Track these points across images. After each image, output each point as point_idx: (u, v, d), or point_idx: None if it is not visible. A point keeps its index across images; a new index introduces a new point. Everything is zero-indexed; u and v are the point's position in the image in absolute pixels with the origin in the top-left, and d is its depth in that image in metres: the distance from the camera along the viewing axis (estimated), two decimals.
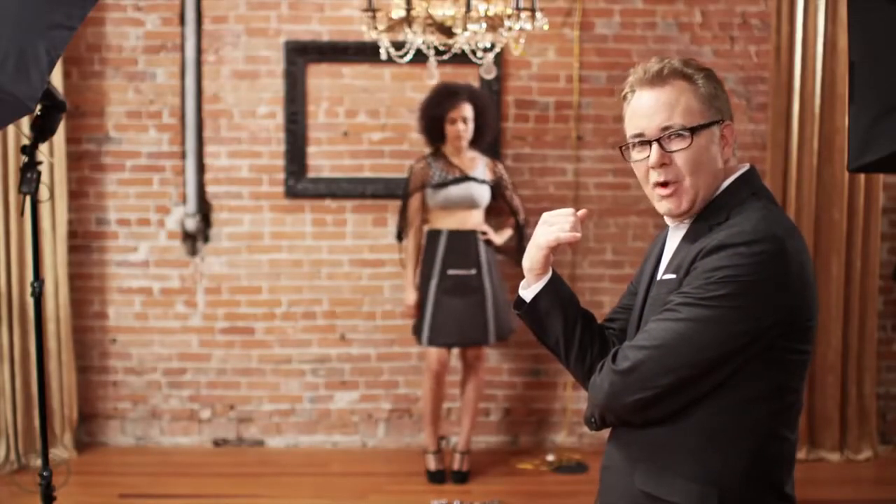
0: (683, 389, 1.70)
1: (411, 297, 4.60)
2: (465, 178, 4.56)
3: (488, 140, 4.70)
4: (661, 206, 1.85)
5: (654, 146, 1.82)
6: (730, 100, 1.92)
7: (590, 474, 4.72)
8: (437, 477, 4.64)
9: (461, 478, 4.62)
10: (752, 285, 1.67)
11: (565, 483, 4.28)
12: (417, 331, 4.63)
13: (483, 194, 4.60)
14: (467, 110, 4.52)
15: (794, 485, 1.80)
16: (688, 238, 1.83)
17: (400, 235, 4.72)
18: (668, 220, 1.90)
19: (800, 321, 1.72)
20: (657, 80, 1.90)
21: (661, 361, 1.69)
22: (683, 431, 1.72)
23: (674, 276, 1.78)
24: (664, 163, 1.82)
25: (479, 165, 4.62)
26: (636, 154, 1.87)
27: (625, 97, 1.96)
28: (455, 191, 4.55)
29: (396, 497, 4.47)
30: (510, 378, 5.16)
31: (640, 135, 1.86)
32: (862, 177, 4.88)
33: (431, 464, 4.68)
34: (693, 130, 1.80)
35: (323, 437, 5.16)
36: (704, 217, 1.82)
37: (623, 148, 1.91)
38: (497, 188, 4.64)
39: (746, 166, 1.88)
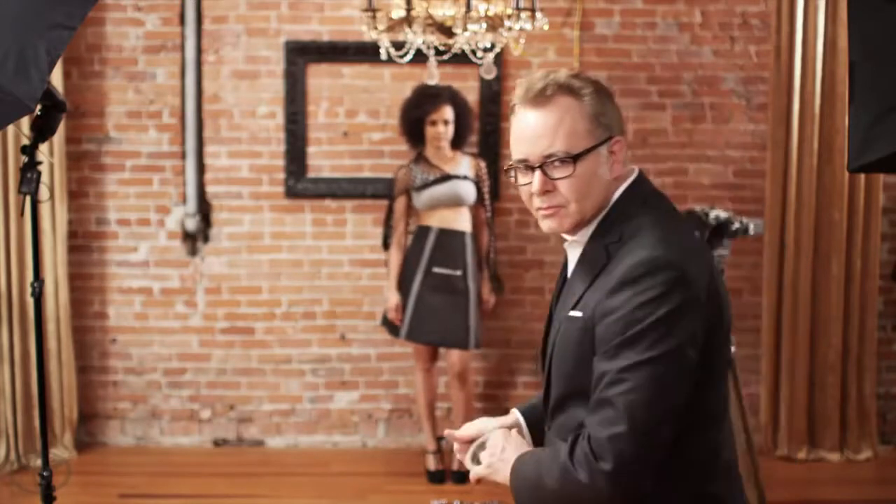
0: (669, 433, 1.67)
1: (393, 299, 4.60)
2: (448, 176, 4.56)
3: (468, 140, 4.72)
4: (544, 225, 1.80)
5: (538, 173, 1.75)
6: (620, 110, 1.87)
7: None
8: (436, 477, 4.64)
9: (461, 478, 4.62)
10: (671, 315, 1.63)
11: None
12: (389, 324, 4.62)
13: (468, 191, 4.59)
14: (447, 112, 4.53)
15: (728, 477, 1.81)
16: (584, 261, 1.80)
17: (386, 242, 4.73)
18: (563, 234, 1.85)
19: (717, 331, 1.71)
20: (541, 98, 1.77)
21: (640, 435, 1.61)
22: None
23: (580, 314, 1.74)
24: (547, 189, 1.77)
25: (463, 163, 4.62)
26: (521, 178, 1.79)
27: (512, 111, 1.82)
28: (439, 190, 4.55)
29: (396, 497, 4.47)
30: (510, 378, 5.16)
31: (524, 160, 1.77)
32: (862, 177, 4.88)
33: (431, 464, 4.68)
34: (576, 157, 1.75)
35: (323, 437, 5.16)
36: (599, 235, 1.79)
37: (508, 170, 1.84)
38: (476, 186, 4.64)
39: (634, 172, 1.86)
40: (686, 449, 1.70)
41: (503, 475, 1.84)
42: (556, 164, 1.74)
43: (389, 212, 4.71)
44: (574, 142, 1.76)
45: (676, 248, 1.71)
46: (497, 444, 1.86)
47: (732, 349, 3.87)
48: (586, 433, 1.65)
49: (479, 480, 1.90)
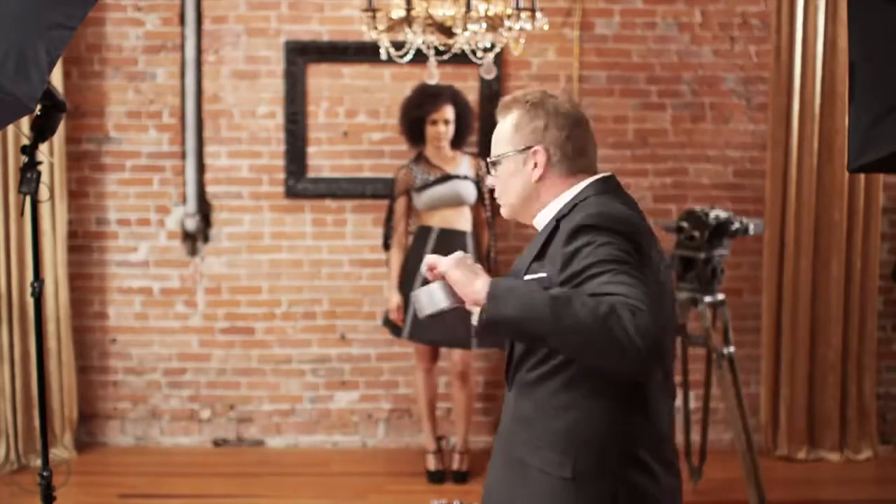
0: None
1: (394, 299, 4.59)
2: (448, 176, 4.56)
3: (468, 140, 4.72)
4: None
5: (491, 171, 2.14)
6: (551, 125, 2.06)
7: None
8: (436, 477, 4.64)
9: (461, 478, 4.62)
10: (629, 247, 1.85)
11: None
12: (391, 325, 4.62)
13: (469, 191, 4.59)
14: (448, 112, 4.53)
15: (662, 446, 1.92)
16: (538, 235, 2.09)
17: (386, 243, 4.72)
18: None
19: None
20: (501, 111, 2.16)
21: (654, 312, 1.76)
22: (549, 406, 1.87)
23: (544, 274, 1.92)
24: (493, 187, 2.19)
25: (463, 163, 4.62)
26: None
27: None
28: (440, 190, 4.55)
29: (396, 497, 4.47)
30: None
31: None
32: (862, 177, 4.88)
33: (431, 464, 4.68)
34: (494, 163, 2.13)
35: (323, 437, 5.17)
36: (554, 217, 2.04)
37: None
38: (477, 186, 4.63)
39: (597, 176, 2.07)
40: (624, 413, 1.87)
41: (469, 279, 1.90)
42: (490, 166, 2.16)
43: (390, 212, 4.70)
44: (497, 149, 2.13)
45: (621, 207, 1.96)
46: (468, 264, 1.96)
47: (732, 349, 3.88)
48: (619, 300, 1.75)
49: (432, 270, 1.97)
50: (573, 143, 2.04)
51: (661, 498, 1.88)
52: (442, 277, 1.95)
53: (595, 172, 2.09)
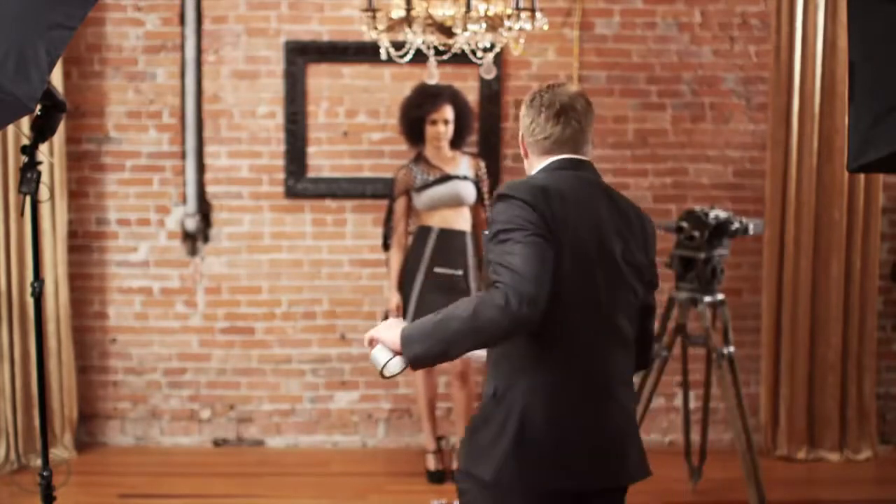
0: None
1: (394, 299, 4.59)
2: (448, 177, 4.56)
3: (467, 140, 4.72)
4: None
5: None
6: (523, 115, 2.48)
7: None
8: (436, 477, 4.64)
9: None
10: (514, 217, 2.28)
11: None
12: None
13: (468, 191, 4.59)
14: (448, 112, 4.53)
15: (556, 391, 2.35)
16: None
17: (386, 243, 4.72)
18: None
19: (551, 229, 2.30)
20: None
21: (527, 279, 2.20)
22: (494, 353, 2.44)
23: (486, 232, 2.41)
24: None
25: (462, 163, 4.62)
26: None
27: None
28: (440, 190, 4.54)
29: (396, 497, 4.47)
30: None
31: None
32: (862, 177, 4.88)
33: (431, 464, 4.68)
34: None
35: (323, 437, 5.17)
36: None
37: None
38: (476, 186, 4.63)
39: (560, 157, 2.45)
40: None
41: (391, 334, 2.31)
42: None
43: (389, 212, 4.70)
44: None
45: (538, 179, 2.43)
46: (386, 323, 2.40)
47: (732, 349, 3.88)
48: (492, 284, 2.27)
49: (371, 341, 2.35)
50: (536, 128, 2.45)
51: (538, 429, 2.33)
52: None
53: (570, 153, 2.46)
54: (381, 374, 2.33)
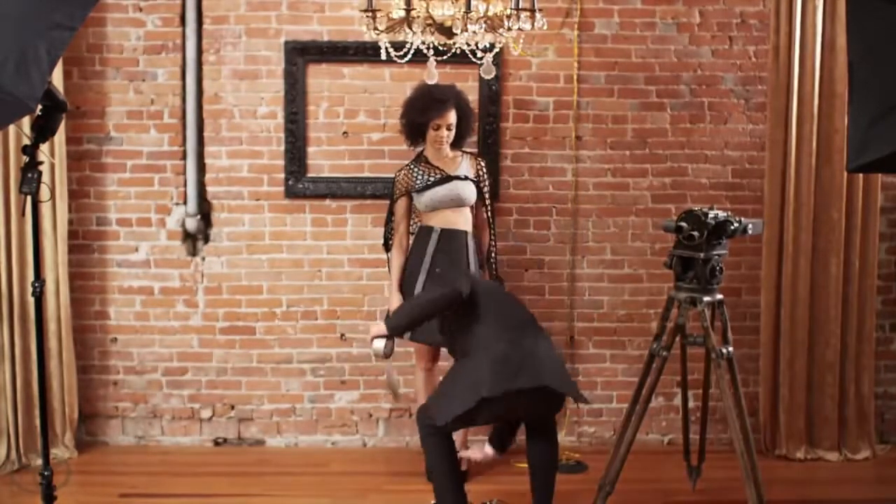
0: None
1: (396, 300, 4.59)
2: (448, 177, 4.56)
3: (467, 141, 4.72)
4: None
5: None
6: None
7: (589, 474, 4.73)
8: None
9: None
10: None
11: (565, 482, 4.28)
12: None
13: (469, 191, 4.59)
14: (452, 117, 4.53)
15: (490, 342, 3.70)
16: None
17: (387, 244, 4.72)
18: None
19: None
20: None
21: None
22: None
23: None
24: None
25: (463, 163, 4.62)
26: None
27: None
28: (440, 191, 4.54)
29: (396, 497, 4.48)
30: None
31: None
32: (860, 177, 4.89)
33: None
34: None
35: (323, 437, 5.18)
36: None
37: None
38: (477, 186, 4.64)
39: None
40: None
41: (378, 325, 3.83)
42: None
43: (390, 213, 4.70)
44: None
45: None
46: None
47: (731, 349, 3.89)
48: None
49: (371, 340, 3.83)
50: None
51: (477, 372, 3.61)
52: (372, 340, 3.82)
53: None
54: (375, 357, 3.67)
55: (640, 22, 5.07)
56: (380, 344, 3.79)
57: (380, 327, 3.81)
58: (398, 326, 3.82)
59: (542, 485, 3.89)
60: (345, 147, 5.08)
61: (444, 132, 4.52)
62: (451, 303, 3.79)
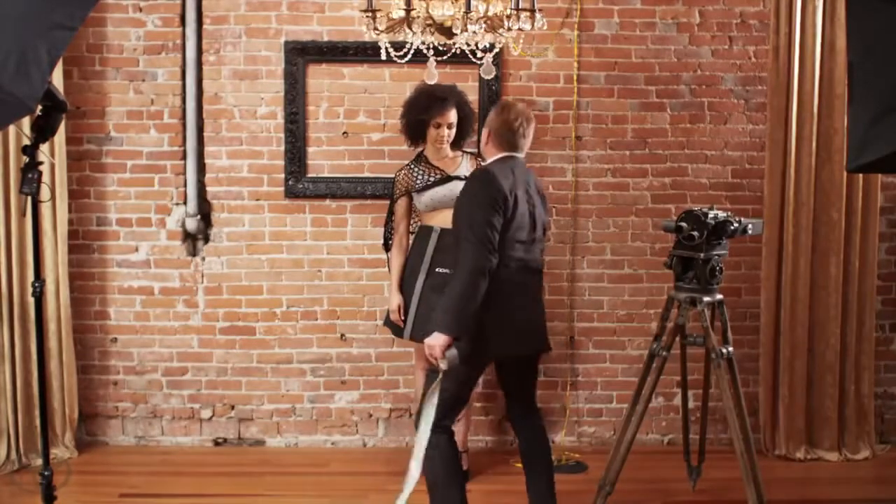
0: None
1: (395, 300, 4.59)
2: (448, 177, 4.56)
3: (467, 141, 4.72)
4: None
5: None
6: (503, 122, 3.76)
7: (589, 474, 4.73)
8: None
9: None
10: (477, 201, 3.62)
11: (565, 482, 4.28)
12: (393, 325, 4.62)
13: None
14: (453, 116, 4.53)
15: (500, 298, 3.63)
16: None
17: (387, 244, 4.72)
18: None
19: (503, 209, 3.59)
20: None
21: (479, 243, 3.58)
22: None
23: None
24: None
25: (463, 163, 4.62)
26: None
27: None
28: (440, 191, 4.54)
29: (396, 496, 4.47)
30: None
31: None
32: (860, 177, 4.89)
33: None
34: None
35: (323, 437, 5.18)
36: None
37: None
38: None
39: (502, 154, 3.77)
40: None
41: (436, 339, 3.54)
42: None
43: (390, 213, 4.70)
44: None
45: (491, 167, 3.71)
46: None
47: (731, 349, 3.89)
48: None
49: (432, 358, 3.56)
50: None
51: (491, 321, 3.60)
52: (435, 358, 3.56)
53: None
54: (450, 366, 3.50)
55: (640, 22, 5.07)
56: (453, 353, 3.51)
57: (439, 338, 3.51)
58: (457, 325, 3.52)
59: (540, 472, 3.89)
60: (345, 147, 5.08)
61: (445, 131, 4.53)
62: (482, 275, 3.55)
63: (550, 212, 4.88)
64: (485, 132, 3.86)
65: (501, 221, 3.58)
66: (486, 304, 3.56)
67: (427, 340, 3.54)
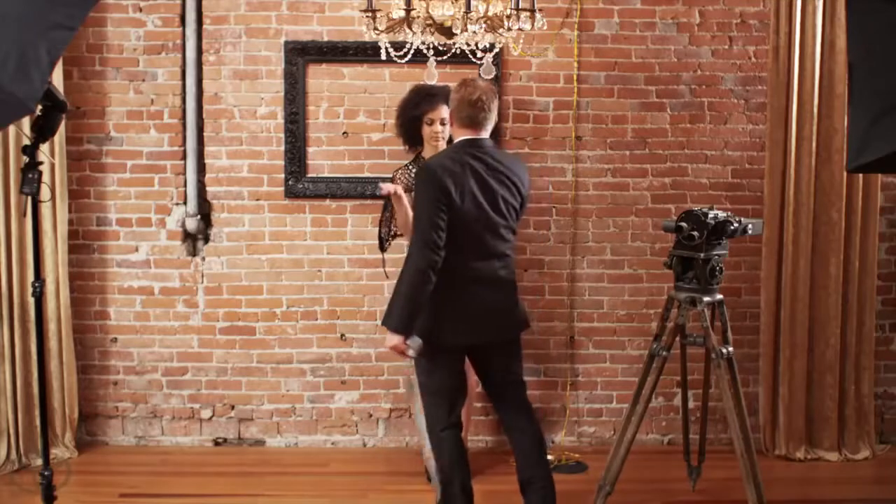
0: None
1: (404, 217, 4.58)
2: None
3: None
4: None
5: None
6: (466, 106, 3.65)
7: (589, 474, 4.73)
8: None
9: None
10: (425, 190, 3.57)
11: (565, 482, 4.28)
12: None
13: None
14: (444, 111, 4.53)
15: (458, 286, 3.62)
16: None
17: (382, 244, 4.71)
18: None
19: (446, 205, 3.53)
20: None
21: (423, 241, 3.53)
22: None
23: None
24: None
25: None
26: None
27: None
28: None
29: (396, 497, 4.48)
30: None
31: None
32: (860, 177, 4.89)
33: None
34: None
35: (323, 437, 5.18)
36: None
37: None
38: None
39: (467, 136, 3.70)
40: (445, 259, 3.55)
41: (389, 338, 3.60)
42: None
43: (387, 214, 4.70)
44: None
45: (435, 160, 3.69)
46: None
47: (731, 349, 3.89)
48: None
49: (397, 350, 3.61)
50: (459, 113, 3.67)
51: (443, 313, 3.60)
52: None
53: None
54: (417, 355, 3.60)
55: (640, 22, 5.07)
56: (416, 341, 3.56)
57: (392, 338, 3.56)
58: (402, 323, 3.54)
59: (524, 428, 3.86)
60: (345, 147, 5.08)
61: (439, 126, 4.53)
62: (425, 275, 3.51)
63: (548, 203, 4.82)
64: (448, 113, 3.84)
65: (446, 217, 3.50)
66: (437, 296, 3.53)
67: (385, 343, 3.62)
